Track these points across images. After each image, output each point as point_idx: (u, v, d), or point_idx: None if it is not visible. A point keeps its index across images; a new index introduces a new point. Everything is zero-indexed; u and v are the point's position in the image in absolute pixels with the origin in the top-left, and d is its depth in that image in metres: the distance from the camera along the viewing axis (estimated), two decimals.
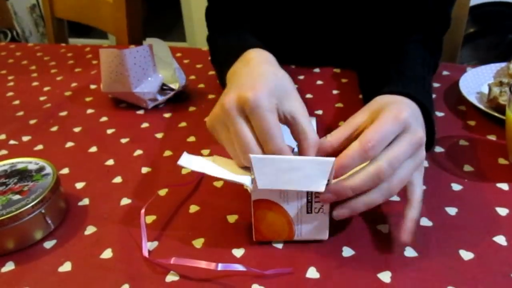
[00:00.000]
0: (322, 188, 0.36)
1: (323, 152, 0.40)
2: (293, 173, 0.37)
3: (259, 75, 0.41)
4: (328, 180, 0.37)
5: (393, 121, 0.38)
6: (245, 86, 0.39)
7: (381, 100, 0.43)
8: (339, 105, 0.65)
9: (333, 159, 0.36)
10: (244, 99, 0.38)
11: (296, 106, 0.40)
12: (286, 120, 0.40)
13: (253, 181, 0.37)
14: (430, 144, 0.46)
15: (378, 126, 0.38)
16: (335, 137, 0.40)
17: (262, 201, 0.39)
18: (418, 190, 0.40)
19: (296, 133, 0.39)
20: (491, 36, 1.81)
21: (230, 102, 0.39)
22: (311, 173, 0.36)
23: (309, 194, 0.38)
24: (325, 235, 0.41)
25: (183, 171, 0.53)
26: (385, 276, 0.38)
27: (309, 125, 0.39)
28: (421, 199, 0.40)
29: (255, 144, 0.38)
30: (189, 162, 0.41)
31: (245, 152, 0.38)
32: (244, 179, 0.39)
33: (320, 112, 0.63)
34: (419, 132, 0.39)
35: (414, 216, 0.39)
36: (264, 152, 0.39)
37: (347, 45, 0.74)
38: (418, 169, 0.40)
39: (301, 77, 0.74)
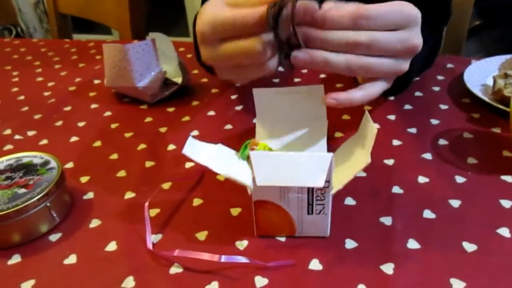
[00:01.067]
0: (321, 184, 0.36)
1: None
2: (292, 168, 0.37)
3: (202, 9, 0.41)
4: (327, 180, 0.36)
5: (401, 7, 0.37)
6: (198, 22, 0.39)
7: None
8: None
9: (331, 154, 0.36)
10: (202, 34, 0.39)
11: None
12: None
13: (253, 180, 0.37)
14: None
15: (383, 4, 0.36)
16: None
17: (263, 201, 0.39)
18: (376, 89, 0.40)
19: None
20: (497, 29, 1.79)
21: (201, 43, 0.40)
22: (309, 169, 0.36)
23: (310, 198, 0.38)
24: (326, 233, 0.41)
25: (187, 165, 0.53)
26: (388, 268, 0.38)
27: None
28: (370, 98, 0.40)
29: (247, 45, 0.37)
30: (193, 151, 0.40)
31: (253, 52, 0.37)
32: (245, 179, 0.40)
33: None
34: (416, 39, 0.38)
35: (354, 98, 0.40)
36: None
37: None
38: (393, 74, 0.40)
39: (305, 70, 0.74)
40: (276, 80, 0.71)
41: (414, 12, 0.37)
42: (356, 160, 0.39)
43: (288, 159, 0.37)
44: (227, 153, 0.44)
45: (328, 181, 0.37)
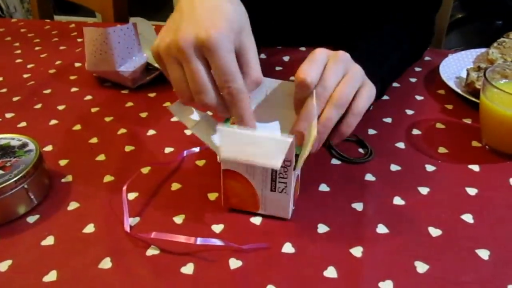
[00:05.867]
0: (278, 166, 0.38)
1: None
2: (254, 148, 0.38)
3: (219, 10, 0.39)
4: (288, 159, 0.39)
5: (319, 51, 0.43)
6: (203, 23, 0.38)
7: None
8: None
9: (291, 138, 0.38)
10: (204, 39, 0.37)
11: (248, 42, 0.40)
12: (236, 52, 0.39)
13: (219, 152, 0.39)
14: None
15: (306, 59, 0.42)
16: None
17: (230, 171, 0.41)
18: (358, 103, 0.44)
19: (242, 65, 0.40)
20: (478, 22, 1.82)
21: (187, 41, 0.37)
22: (270, 150, 0.38)
23: (273, 174, 0.40)
24: (287, 215, 0.43)
25: (166, 150, 0.54)
26: (357, 251, 0.40)
27: (255, 61, 0.40)
28: (359, 111, 0.44)
29: (211, 87, 0.39)
30: (179, 111, 0.43)
31: (200, 93, 0.39)
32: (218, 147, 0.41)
33: None
34: (340, 52, 0.43)
35: (332, 117, 0.42)
36: (226, 99, 0.39)
37: (334, 25, 0.74)
38: (361, 84, 0.44)
39: (286, 57, 0.74)
40: None
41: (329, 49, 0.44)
42: (308, 136, 0.41)
43: (252, 138, 0.39)
44: (210, 122, 0.45)
45: (289, 160, 0.39)
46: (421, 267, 0.38)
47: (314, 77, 0.41)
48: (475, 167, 0.49)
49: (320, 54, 0.43)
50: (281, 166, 0.39)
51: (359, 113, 0.44)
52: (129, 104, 0.64)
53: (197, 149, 0.53)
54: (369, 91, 0.45)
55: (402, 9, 0.65)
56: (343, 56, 0.44)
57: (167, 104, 0.63)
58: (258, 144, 0.38)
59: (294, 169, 0.40)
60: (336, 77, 0.43)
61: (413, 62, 0.69)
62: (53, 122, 0.60)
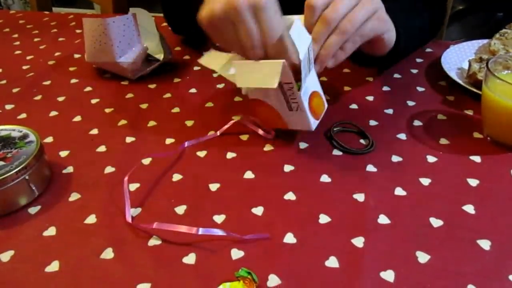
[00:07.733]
0: (274, 86, 0.43)
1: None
2: (256, 73, 0.44)
3: None
4: (287, 82, 0.44)
5: None
6: None
7: None
8: (346, 70, 0.66)
9: (282, 60, 0.42)
10: (256, 1, 0.40)
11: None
12: None
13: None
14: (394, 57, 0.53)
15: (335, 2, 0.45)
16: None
17: (254, 100, 0.49)
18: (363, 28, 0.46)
19: None
20: (479, 14, 1.81)
21: (244, 3, 0.41)
22: (267, 73, 0.43)
23: (285, 96, 0.46)
24: (310, 127, 0.48)
25: (167, 141, 0.54)
26: (358, 242, 0.40)
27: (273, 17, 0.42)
28: (363, 35, 0.46)
29: (261, 45, 0.43)
30: (207, 62, 0.50)
31: (253, 48, 0.43)
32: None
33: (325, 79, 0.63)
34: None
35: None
36: (269, 52, 0.43)
37: None
38: (374, 12, 0.46)
39: None
40: None
41: None
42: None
43: (252, 65, 0.44)
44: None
45: (289, 82, 0.44)
46: (422, 257, 0.38)
47: (322, 2, 0.43)
48: (477, 158, 0.49)
49: None
50: (287, 89, 0.45)
51: (361, 37, 0.46)
52: (129, 95, 0.64)
53: (197, 140, 0.53)
54: (380, 17, 0.47)
55: None
56: None
57: (168, 95, 0.63)
58: (257, 69, 0.44)
59: (299, 89, 0.44)
60: (348, 2, 0.44)
61: (429, 39, 0.70)
62: (53, 113, 0.60)
